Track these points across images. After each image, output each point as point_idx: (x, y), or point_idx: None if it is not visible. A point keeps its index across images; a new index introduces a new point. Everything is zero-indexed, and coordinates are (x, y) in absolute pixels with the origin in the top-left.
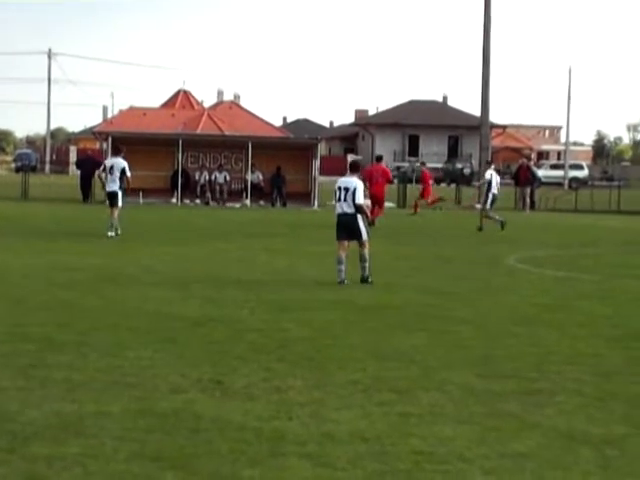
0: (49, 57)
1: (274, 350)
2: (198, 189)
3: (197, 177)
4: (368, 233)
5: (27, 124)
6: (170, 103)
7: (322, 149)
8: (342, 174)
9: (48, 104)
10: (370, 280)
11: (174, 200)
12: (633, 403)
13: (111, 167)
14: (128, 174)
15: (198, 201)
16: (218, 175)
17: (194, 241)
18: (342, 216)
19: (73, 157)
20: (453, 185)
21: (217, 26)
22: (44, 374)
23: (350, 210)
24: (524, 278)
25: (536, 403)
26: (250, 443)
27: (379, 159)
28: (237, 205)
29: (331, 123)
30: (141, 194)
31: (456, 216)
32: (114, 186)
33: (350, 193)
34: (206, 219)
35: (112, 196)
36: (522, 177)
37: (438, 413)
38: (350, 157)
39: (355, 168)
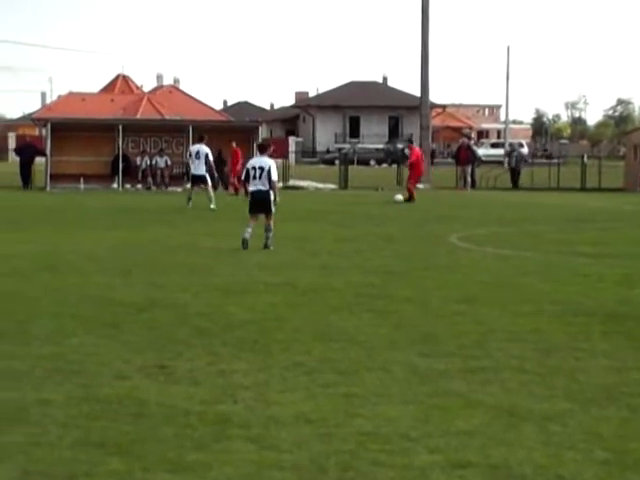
0: None
1: (218, 334)
2: (139, 174)
3: (138, 162)
4: (275, 206)
5: None
6: (109, 88)
7: (263, 132)
8: (284, 156)
9: None
10: (272, 248)
11: (115, 185)
12: (574, 378)
13: (197, 152)
14: (211, 159)
15: (139, 186)
16: (159, 160)
17: (136, 226)
18: (257, 193)
19: (12, 144)
20: (394, 166)
21: (155, 10)
22: None
23: (265, 187)
24: (466, 256)
25: (480, 381)
26: (195, 427)
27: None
28: (179, 189)
29: (272, 105)
30: (82, 180)
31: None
32: (201, 169)
33: (265, 172)
34: (147, 204)
35: (198, 179)
36: (463, 156)
37: (382, 393)
38: (292, 139)
39: (264, 149)
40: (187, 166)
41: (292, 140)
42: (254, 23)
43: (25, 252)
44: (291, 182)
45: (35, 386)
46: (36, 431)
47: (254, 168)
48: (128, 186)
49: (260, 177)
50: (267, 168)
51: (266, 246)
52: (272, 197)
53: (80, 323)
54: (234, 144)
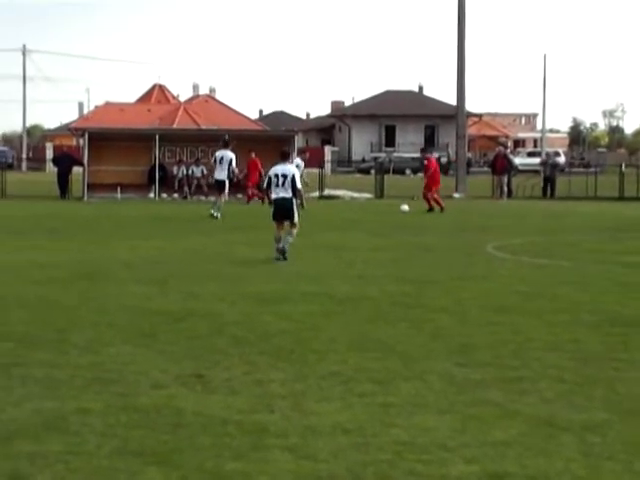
0: (23, 54)
1: (255, 343)
2: (176, 183)
3: (175, 171)
4: (299, 215)
5: (2, 122)
6: (146, 98)
7: (299, 141)
8: (320, 166)
9: (23, 101)
10: (286, 256)
11: (152, 195)
12: (613, 389)
13: (221, 158)
14: (234, 165)
15: (176, 195)
16: (195, 169)
17: (173, 236)
18: (280, 200)
19: (50, 154)
20: None
21: (192, 20)
22: (24, 372)
23: (287, 195)
24: (502, 266)
25: (517, 391)
26: (232, 437)
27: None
28: (214, 199)
29: (307, 115)
30: (119, 189)
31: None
32: (222, 175)
33: (289, 179)
34: (184, 213)
35: (220, 184)
36: (499, 165)
37: (419, 403)
38: (327, 149)
39: (286, 156)
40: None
41: (328, 149)
42: (290, 33)
43: (63, 261)
44: (327, 192)
45: (74, 395)
46: (75, 440)
47: (277, 176)
48: (164, 195)
49: (283, 184)
50: (291, 176)
51: (283, 251)
52: (295, 205)
53: (117, 332)
54: (253, 154)
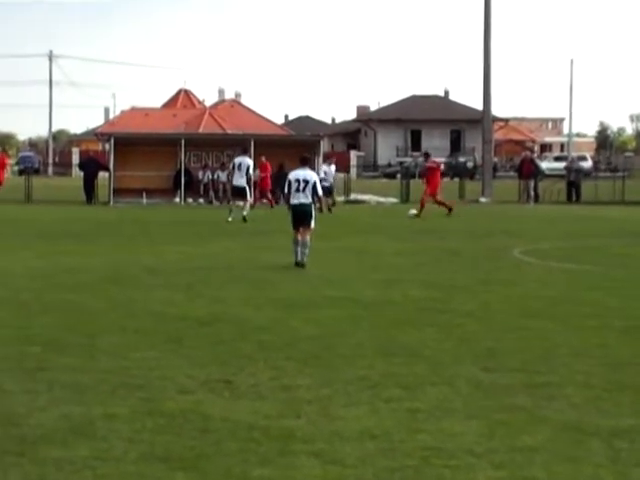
0: (50, 59)
1: (281, 348)
2: (201, 188)
3: (200, 176)
4: (316, 220)
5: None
6: (171, 103)
7: (325, 145)
8: (346, 170)
9: (50, 106)
10: (304, 265)
11: (177, 200)
12: None
13: (239, 164)
14: (251, 172)
15: (201, 200)
16: (221, 174)
17: (198, 241)
18: (299, 206)
19: (76, 159)
20: (456, 179)
21: (216, 24)
22: (51, 377)
23: (307, 200)
24: (529, 270)
25: (545, 396)
26: (259, 442)
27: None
28: (240, 203)
29: (333, 119)
30: (144, 194)
31: (459, 210)
32: (242, 181)
33: (310, 185)
34: (209, 218)
35: (238, 190)
36: (525, 170)
37: (446, 408)
38: (353, 153)
39: (306, 161)
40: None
41: (353, 154)
42: (316, 37)
43: (90, 266)
44: (352, 196)
45: (100, 400)
46: (102, 446)
47: (298, 181)
48: (190, 200)
49: (304, 190)
50: (312, 182)
51: (302, 263)
52: (314, 210)
53: (144, 337)
54: (263, 158)
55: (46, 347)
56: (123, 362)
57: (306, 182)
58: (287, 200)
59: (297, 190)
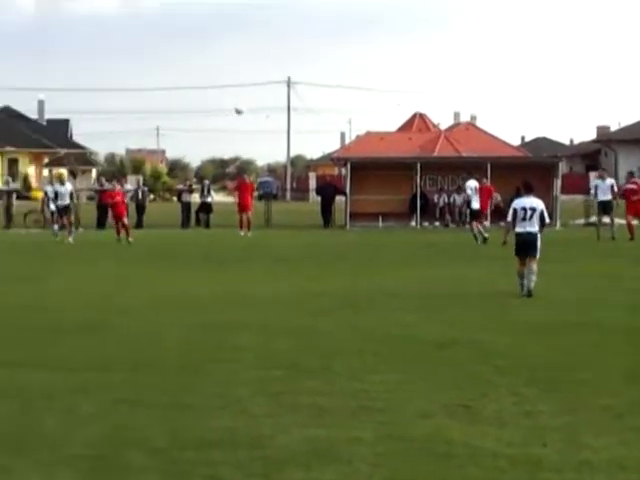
0: (288, 86)
1: (521, 373)
2: (437, 211)
3: (436, 199)
4: (540, 251)
5: (268, 152)
6: (407, 127)
7: (563, 167)
8: (586, 192)
9: (288, 132)
10: (531, 294)
11: (413, 223)
12: None
13: (474, 188)
14: (469, 192)
15: (437, 224)
16: (457, 197)
17: (434, 264)
18: (526, 235)
19: (313, 184)
20: None
21: (451, 47)
22: (292, 400)
23: (534, 229)
24: None
25: None
26: (504, 470)
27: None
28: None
29: (571, 140)
30: (380, 218)
31: None
32: (478, 205)
33: (537, 213)
34: (445, 241)
35: (474, 213)
36: None
37: None
38: (592, 174)
39: (531, 188)
40: (468, 202)
41: (592, 175)
42: (552, 58)
43: (329, 290)
44: (593, 219)
45: (341, 423)
46: (347, 469)
47: (524, 209)
48: (426, 224)
49: (531, 218)
50: (539, 210)
51: (529, 292)
52: (540, 239)
53: (381, 360)
54: (485, 180)
55: (287, 370)
56: (362, 385)
57: (533, 210)
58: (510, 228)
59: (523, 219)
